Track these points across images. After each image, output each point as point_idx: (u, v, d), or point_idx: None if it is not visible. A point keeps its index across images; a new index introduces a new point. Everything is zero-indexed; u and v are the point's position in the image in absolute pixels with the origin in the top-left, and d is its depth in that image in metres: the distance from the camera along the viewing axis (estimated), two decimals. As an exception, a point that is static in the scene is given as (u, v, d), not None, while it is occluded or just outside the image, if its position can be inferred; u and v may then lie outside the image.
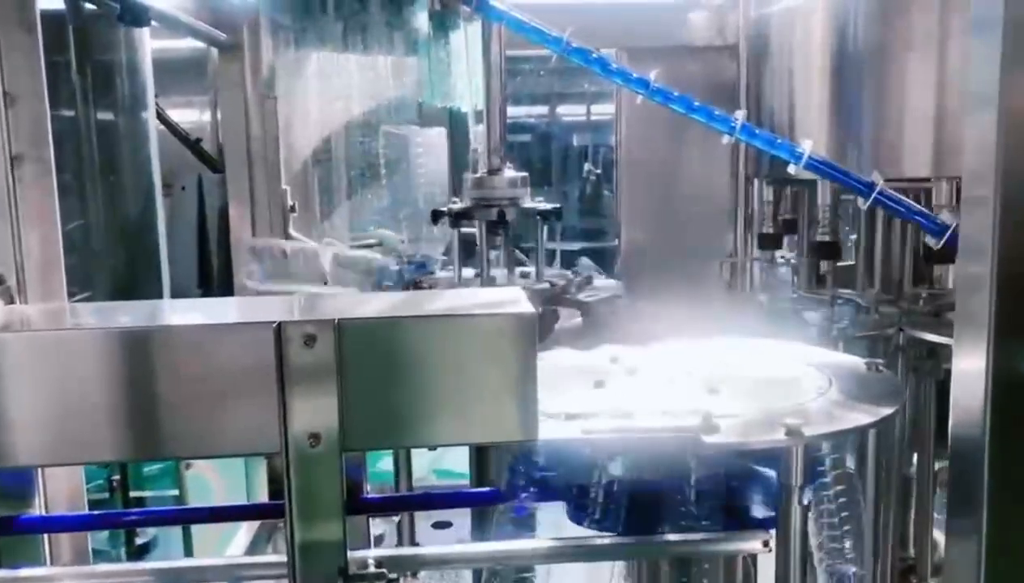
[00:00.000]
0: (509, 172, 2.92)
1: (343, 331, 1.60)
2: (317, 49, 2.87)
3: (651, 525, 1.99)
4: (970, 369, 1.35)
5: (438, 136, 3.17)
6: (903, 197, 2.63)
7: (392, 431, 1.67)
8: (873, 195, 2.58)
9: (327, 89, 3.04)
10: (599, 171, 9.96)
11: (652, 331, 2.84)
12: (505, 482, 2.17)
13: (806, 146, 2.60)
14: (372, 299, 1.80)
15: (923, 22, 3.10)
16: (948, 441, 1.46)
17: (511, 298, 1.80)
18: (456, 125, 3.50)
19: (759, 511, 1.98)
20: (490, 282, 2.77)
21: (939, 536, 3.68)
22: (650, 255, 4.13)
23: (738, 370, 2.22)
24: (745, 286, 3.98)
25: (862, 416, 1.87)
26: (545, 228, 2.88)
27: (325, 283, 2.60)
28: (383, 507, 1.96)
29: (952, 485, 1.45)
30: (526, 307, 1.69)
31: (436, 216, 2.90)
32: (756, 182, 4.01)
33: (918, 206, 2.68)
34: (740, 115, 2.61)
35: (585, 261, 3.40)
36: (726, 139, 2.69)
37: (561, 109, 10.54)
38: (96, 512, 1.94)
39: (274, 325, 1.60)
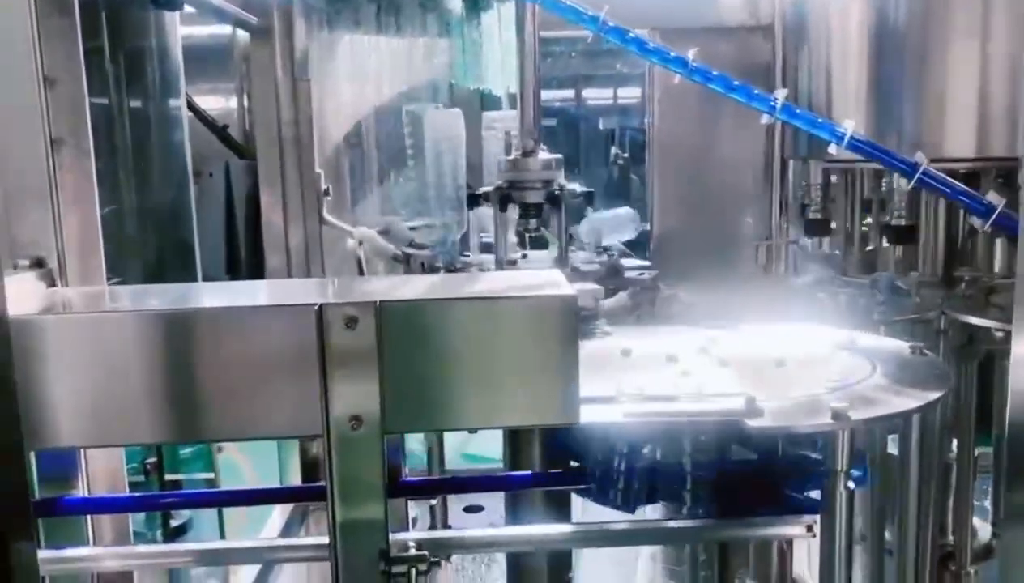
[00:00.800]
0: (543, 154, 2.89)
1: (384, 313, 1.59)
2: (351, 31, 2.85)
3: (690, 509, 1.97)
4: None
5: (456, 118, 3.14)
6: (947, 177, 2.57)
7: (433, 414, 1.66)
8: (917, 175, 2.53)
9: (360, 71, 3.02)
10: (626, 155, 9.86)
11: (689, 315, 2.82)
12: (542, 466, 2.16)
13: (848, 126, 2.55)
14: (411, 281, 1.79)
15: (966, 1, 3.03)
16: (993, 425, 1.42)
17: (551, 280, 1.78)
18: (488, 108, 3.48)
19: (802, 495, 1.96)
20: (524, 265, 2.74)
21: (978, 523, 3.63)
22: (683, 239, 4.08)
23: (780, 355, 2.19)
24: (781, 270, 3.92)
25: (908, 400, 1.84)
26: (588, 210, 2.85)
27: (361, 273, 2.58)
28: (423, 490, 1.96)
29: (1009, 469, 1.41)
30: (566, 289, 1.67)
31: (472, 199, 2.88)
32: (794, 164, 3.96)
33: (963, 186, 2.62)
34: (781, 94, 2.56)
35: (616, 243, 3.36)
36: (765, 119, 2.64)
37: (587, 93, 10.43)
38: (136, 494, 1.94)
39: (315, 307, 1.59)
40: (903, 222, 3.08)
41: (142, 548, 1.92)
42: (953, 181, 2.58)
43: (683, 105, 4.15)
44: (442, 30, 2.93)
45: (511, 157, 2.90)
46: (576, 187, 2.92)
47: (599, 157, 10.02)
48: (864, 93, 3.24)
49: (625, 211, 3.39)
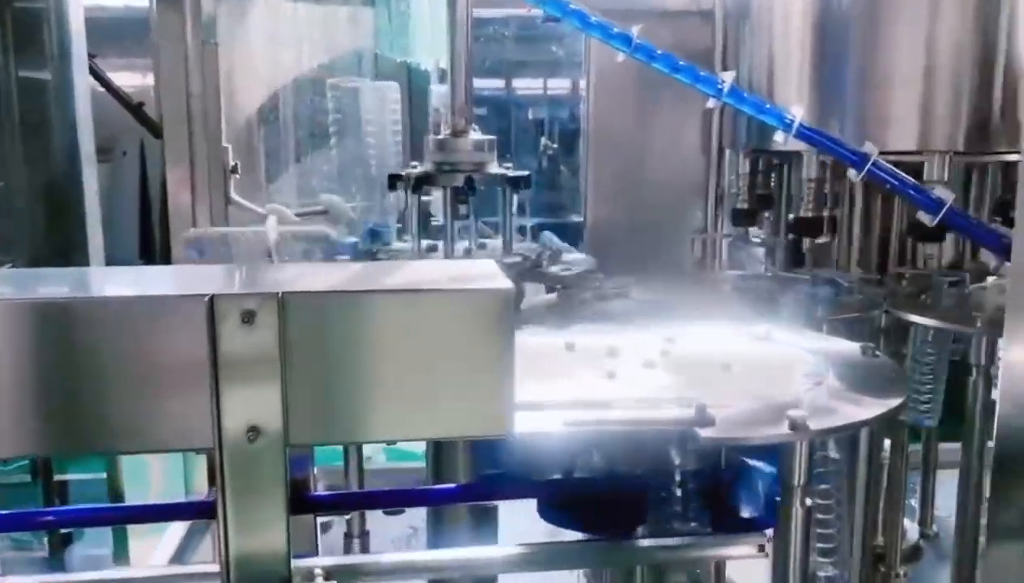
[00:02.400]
0: (475, 135, 2.68)
1: (288, 307, 1.37)
2: (264, -7, 2.59)
3: (632, 524, 1.80)
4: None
5: (392, 92, 2.90)
6: (897, 170, 2.46)
7: (345, 424, 1.44)
8: (867, 167, 2.40)
9: (276, 39, 2.75)
10: (556, 145, 9.75)
11: (626, 310, 2.65)
12: (470, 477, 1.96)
13: (796, 113, 2.41)
14: (323, 270, 1.57)
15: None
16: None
17: (484, 272, 1.57)
18: (415, 83, 3.24)
19: (749, 511, 1.81)
20: (452, 255, 2.54)
21: (907, 523, 3.59)
22: (617, 231, 3.93)
23: (725, 355, 2.03)
24: (716, 264, 3.80)
25: (869, 407, 1.70)
26: (515, 198, 2.65)
27: (271, 260, 2.33)
28: (333, 506, 1.74)
29: (995, 486, 1.27)
30: (502, 282, 1.47)
31: (393, 181, 2.66)
32: (729, 154, 3.84)
33: (913, 181, 2.51)
34: (728, 77, 2.41)
35: (548, 234, 3.18)
36: (711, 103, 2.48)
37: (517, 82, 10.28)
38: (5, 512, 1.67)
39: (206, 298, 1.35)
40: (810, 214, 2.98)
41: (10, 580, 1.65)
42: (903, 175, 2.47)
43: (619, 92, 4.00)
44: (369, -1, 2.69)
45: (439, 137, 2.68)
46: (506, 171, 2.72)
47: (529, 147, 9.87)
48: (807, 81, 3.12)
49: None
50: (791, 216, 3.32)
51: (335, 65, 3.03)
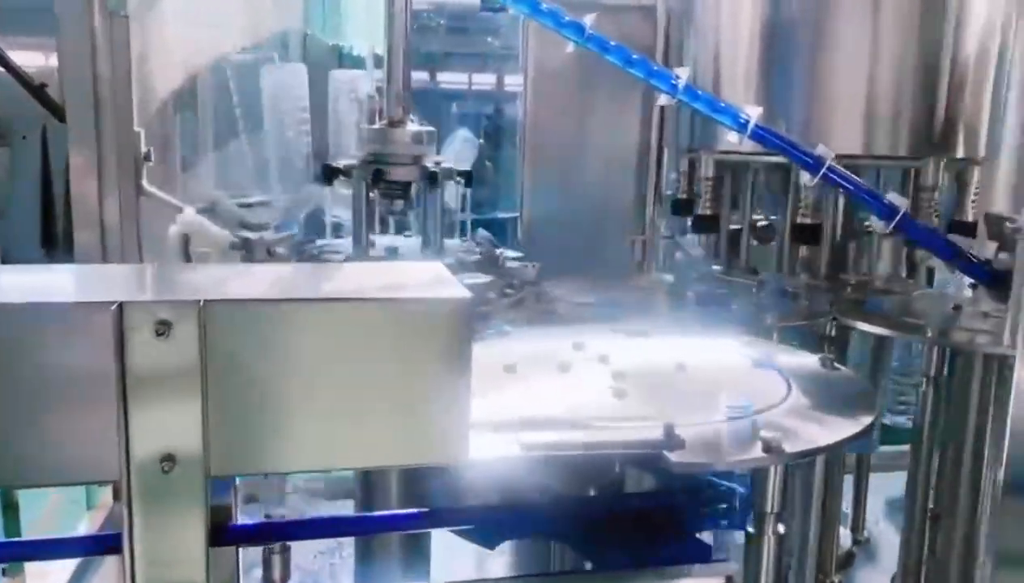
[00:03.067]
0: (413, 125, 2.50)
1: (211, 316, 1.18)
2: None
3: (588, 552, 1.66)
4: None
5: (322, 79, 2.69)
6: (852, 175, 2.39)
7: (276, 452, 1.26)
8: (823, 170, 2.32)
9: (192, 16, 2.52)
10: (481, 141, 9.62)
11: (574, 317, 2.52)
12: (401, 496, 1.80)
13: (753, 113, 2.31)
14: (250, 274, 1.38)
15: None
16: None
17: (436, 277, 1.41)
18: (348, 68, 3.03)
19: (713, 537, 1.69)
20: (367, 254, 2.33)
21: (844, 532, 3.57)
22: (554, 229, 3.80)
23: (685, 368, 1.92)
24: (656, 266, 3.71)
25: (841, 425, 1.60)
26: (463, 195, 2.48)
27: (187, 259, 2.09)
28: (260, 537, 1.54)
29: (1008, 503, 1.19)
30: (459, 290, 1.31)
31: (327, 172, 2.46)
32: (667, 155, 3.77)
33: (868, 185, 2.45)
34: (683, 73, 2.29)
35: (483, 233, 3.02)
36: (663, 100, 2.36)
37: (442, 76, 10.13)
38: None
39: (113, 306, 1.15)
40: (708, 211, 2.98)
41: None
42: (858, 179, 2.40)
43: (558, 89, 3.87)
44: (296, -26, 2.48)
45: (376, 127, 2.49)
46: (452, 165, 2.55)
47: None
48: (754, 83, 3.04)
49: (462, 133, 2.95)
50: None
51: (260, 47, 2.80)
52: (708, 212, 2.98)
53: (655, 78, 2.30)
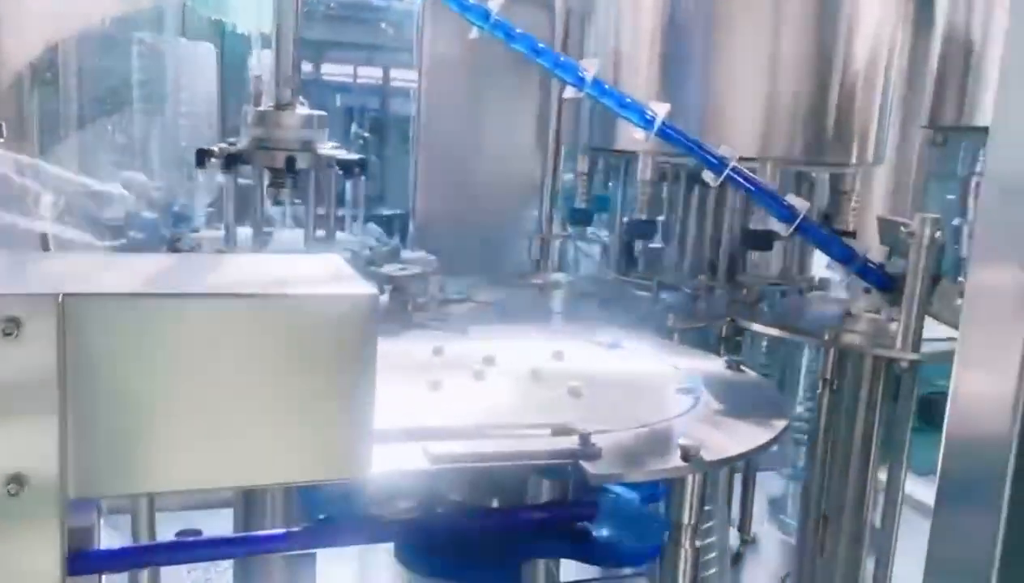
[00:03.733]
0: (302, 109, 2.33)
1: (71, 314, 1.01)
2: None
3: (498, 564, 1.56)
4: (984, 392, 1.05)
5: (206, 55, 2.47)
6: (754, 176, 2.38)
7: (146, 469, 1.09)
8: (726, 172, 2.30)
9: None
10: (367, 134, 9.42)
11: (470, 317, 2.41)
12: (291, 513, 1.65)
13: (660, 111, 2.25)
14: (121, 264, 1.20)
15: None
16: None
17: (333, 271, 1.27)
18: (229, 46, 2.81)
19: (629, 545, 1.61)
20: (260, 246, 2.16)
21: (732, 532, 3.60)
22: (447, 227, 3.68)
23: (587, 368, 1.84)
24: (549, 265, 3.64)
25: (757, 432, 1.55)
26: (348, 184, 2.32)
27: (46, 248, 1.84)
28: (122, 564, 1.37)
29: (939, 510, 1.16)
30: (362, 286, 1.18)
31: (203, 157, 2.25)
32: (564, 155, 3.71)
33: (771, 188, 2.44)
34: (592, 65, 2.21)
35: (373, 227, 2.87)
36: (569, 92, 2.28)
37: (326, 68, 9.88)
38: None
39: (-53, 300, 0.97)
40: (644, 216, 2.91)
41: None
42: (760, 181, 2.39)
43: (452, 84, 3.75)
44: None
45: (261, 109, 2.31)
46: (337, 153, 2.39)
47: (338, 136, 9.46)
48: (655, 83, 3.01)
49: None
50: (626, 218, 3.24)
51: (132, 20, 2.56)
52: (644, 217, 2.90)
53: (561, 69, 2.21)
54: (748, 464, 3.77)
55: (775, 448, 3.20)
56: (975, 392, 1.17)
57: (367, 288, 1.16)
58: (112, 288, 1.08)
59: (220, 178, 2.37)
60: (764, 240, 2.80)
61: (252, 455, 1.13)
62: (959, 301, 2.33)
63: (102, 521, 1.40)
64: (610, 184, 3.47)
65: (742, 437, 1.51)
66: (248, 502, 1.94)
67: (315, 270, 1.29)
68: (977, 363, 1.17)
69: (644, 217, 3.00)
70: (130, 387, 1.05)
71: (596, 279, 3.26)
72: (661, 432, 1.50)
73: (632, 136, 2.56)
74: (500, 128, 3.82)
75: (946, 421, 1.14)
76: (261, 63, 2.47)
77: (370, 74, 9.51)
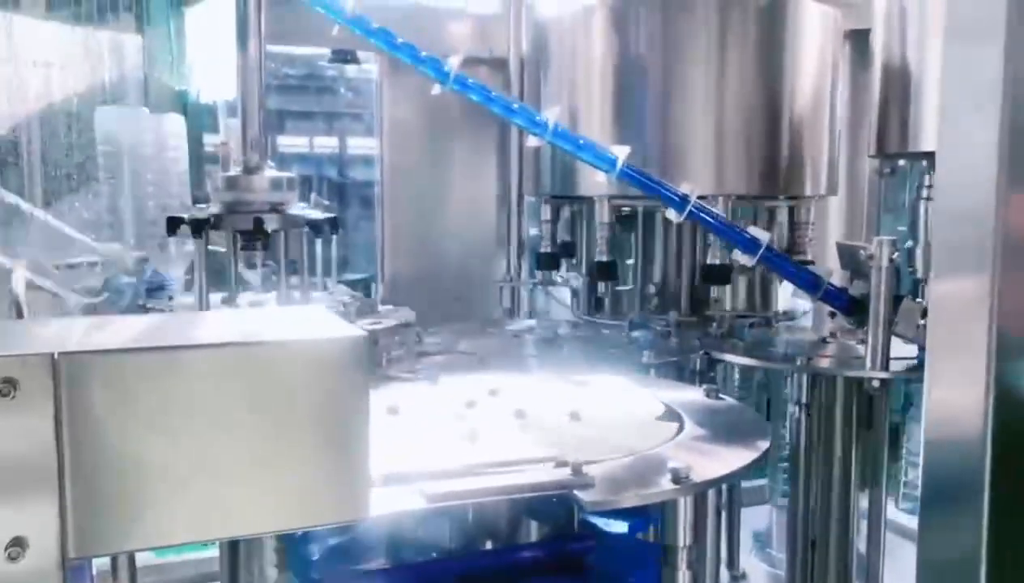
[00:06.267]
0: (271, 171, 2.36)
1: (66, 371, 1.01)
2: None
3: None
4: (956, 397, 1.09)
5: (172, 125, 2.49)
6: (716, 211, 2.45)
7: (147, 524, 1.09)
8: (688, 208, 2.37)
9: (11, 58, 2.27)
10: (327, 202, 9.48)
11: (451, 365, 2.42)
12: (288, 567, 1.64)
13: (621, 153, 2.33)
14: (110, 323, 1.21)
15: (702, 41, 3.01)
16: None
17: (319, 319, 1.29)
18: (193, 115, 2.84)
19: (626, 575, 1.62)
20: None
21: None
22: (417, 283, 3.71)
23: (575, 408, 1.86)
24: (520, 311, 3.68)
25: (743, 453, 1.58)
26: (318, 243, 2.34)
27: (20, 316, 1.83)
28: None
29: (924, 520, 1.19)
30: (351, 329, 1.20)
31: (173, 224, 2.27)
32: (529, 203, 3.79)
33: (731, 221, 2.51)
34: (552, 114, 2.29)
35: (342, 288, 2.89)
36: (532, 141, 2.35)
37: (281, 140, 9.98)
38: None
39: (-58, 365, 0.97)
40: (605, 258, 2.98)
41: None
42: (722, 215, 2.46)
43: (413, 143, 3.83)
44: (141, 20, 2.30)
45: (229, 174, 2.33)
46: (307, 213, 2.41)
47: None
48: (609, 128, 3.09)
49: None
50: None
51: (96, 94, 2.58)
52: (606, 259, 2.96)
53: (518, 117, 2.29)
54: (732, 499, 3.79)
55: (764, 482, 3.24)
56: (947, 399, 1.21)
57: (355, 331, 1.18)
58: (104, 345, 1.09)
59: (190, 246, 2.38)
60: (722, 274, 2.88)
61: (250, 503, 1.13)
62: (922, 320, 2.42)
63: None
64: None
65: (728, 459, 1.54)
66: (232, 563, 1.91)
67: (301, 319, 1.31)
68: (946, 372, 1.22)
69: (606, 259, 3.06)
70: (127, 442, 1.06)
71: (567, 322, 3.30)
72: (650, 459, 1.53)
73: (592, 181, 2.64)
74: (463, 183, 3.90)
75: (923, 429, 1.19)
76: (228, 130, 2.50)
77: (326, 143, 9.60)
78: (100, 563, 1.44)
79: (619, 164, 2.33)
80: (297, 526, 1.17)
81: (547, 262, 3.43)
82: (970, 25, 1.10)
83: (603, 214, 3.01)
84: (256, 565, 1.85)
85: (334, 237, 2.42)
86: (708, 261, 2.85)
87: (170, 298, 2.34)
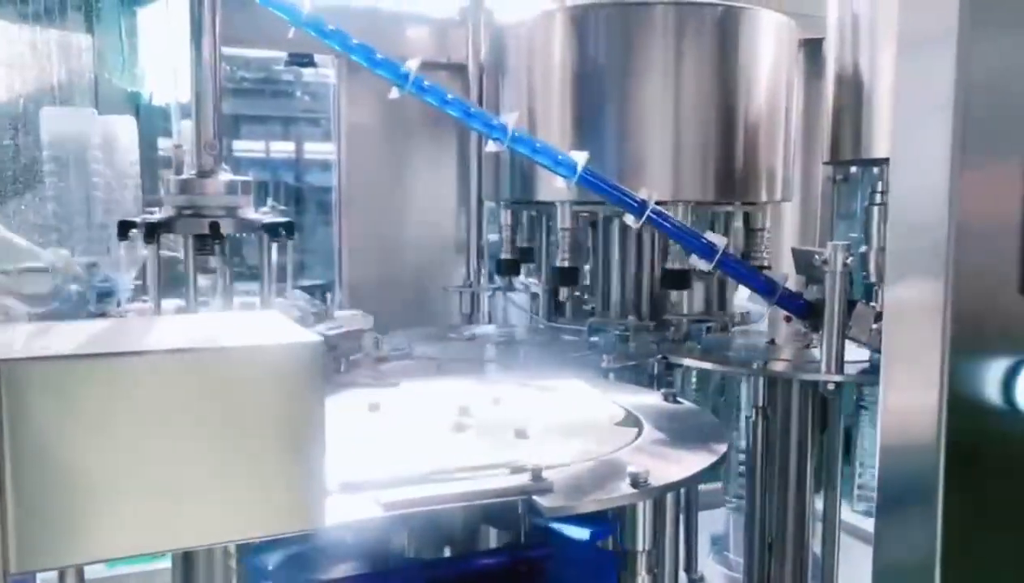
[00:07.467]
0: (225, 175, 2.32)
1: (5, 379, 0.98)
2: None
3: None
4: (910, 401, 1.11)
5: (124, 127, 2.43)
6: (673, 217, 2.46)
7: (92, 536, 1.06)
8: (647, 214, 2.38)
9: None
10: (283, 208, 9.39)
11: (404, 370, 2.40)
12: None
13: (580, 159, 2.33)
14: (54, 330, 1.17)
15: (660, 49, 3.04)
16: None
17: (274, 324, 1.27)
18: (144, 116, 2.77)
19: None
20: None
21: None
22: (376, 290, 3.67)
23: (532, 411, 1.86)
24: (484, 318, 3.67)
25: (701, 456, 1.59)
26: (274, 248, 2.31)
27: None
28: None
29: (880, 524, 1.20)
30: (306, 335, 1.18)
31: (125, 228, 2.22)
32: (486, 207, 3.78)
33: (689, 227, 2.53)
34: (511, 119, 2.28)
35: (299, 293, 2.85)
36: (491, 146, 2.34)
37: (237, 145, 9.89)
38: None
39: None
40: (567, 263, 2.99)
41: None
42: (680, 221, 2.48)
43: (371, 149, 3.80)
44: (89, 19, 2.25)
45: (183, 177, 2.29)
46: (263, 217, 2.38)
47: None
48: (568, 134, 3.10)
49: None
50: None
51: (45, 95, 2.52)
52: (567, 264, 2.97)
53: (476, 121, 2.28)
54: (689, 502, 3.82)
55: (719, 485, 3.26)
56: (902, 403, 1.23)
57: (311, 337, 1.16)
58: (47, 351, 1.05)
59: (143, 251, 2.33)
60: (681, 279, 2.90)
61: (201, 514, 1.10)
62: (875, 324, 2.46)
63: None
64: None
65: (687, 462, 1.54)
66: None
67: (255, 324, 1.28)
68: (901, 377, 1.23)
69: (567, 264, 3.07)
70: (72, 452, 1.02)
71: (527, 327, 3.30)
72: (609, 463, 1.53)
73: (552, 186, 2.64)
74: (422, 188, 3.87)
75: (879, 432, 1.20)
76: (182, 132, 2.45)
77: (283, 148, 9.51)
78: (46, 576, 1.39)
79: (578, 169, 2.32)
80: (250, 536, 1.14)
81: (507, 268, 3.43)
82: (922, 34, 1.12)
83: (564, 219, 3.03)
84: (209, 576, 1.81)
85: (290, 242, 2.38)
86: (667, 266, 2.87)
87: (118, 304, 2.28)
